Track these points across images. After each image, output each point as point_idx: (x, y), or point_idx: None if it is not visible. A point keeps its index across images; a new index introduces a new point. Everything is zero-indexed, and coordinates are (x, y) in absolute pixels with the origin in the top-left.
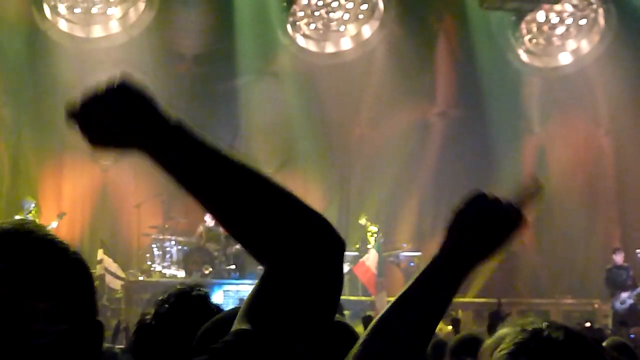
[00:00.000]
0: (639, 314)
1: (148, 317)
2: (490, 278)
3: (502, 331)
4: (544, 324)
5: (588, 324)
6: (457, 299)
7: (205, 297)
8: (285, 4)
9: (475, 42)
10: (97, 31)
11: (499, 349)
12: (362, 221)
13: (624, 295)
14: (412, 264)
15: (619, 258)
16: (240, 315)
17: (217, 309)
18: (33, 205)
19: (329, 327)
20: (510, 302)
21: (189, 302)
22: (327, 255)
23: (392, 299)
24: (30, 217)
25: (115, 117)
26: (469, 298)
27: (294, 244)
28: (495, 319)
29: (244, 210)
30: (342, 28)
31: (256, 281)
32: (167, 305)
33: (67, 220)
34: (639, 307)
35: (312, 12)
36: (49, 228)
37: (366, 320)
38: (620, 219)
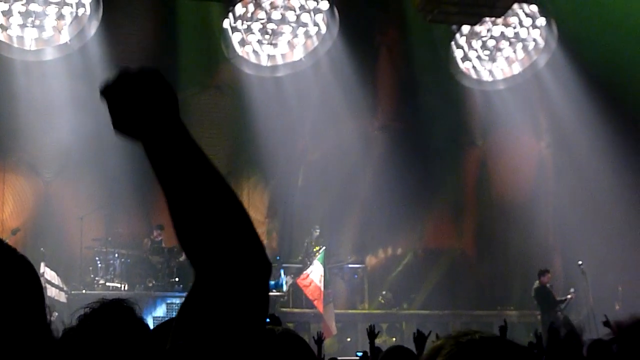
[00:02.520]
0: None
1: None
2: (433, 290)
3: (437, 343)
4: (478, 335)
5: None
6: (402, 311)
7: (129, 309)
8: (228, 17)
9: (417, 55)
10: (43, 43)
11: None
12: (316, 232)
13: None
14: (355, 276)
15: (545, 279)
16: (174, 327)
17: (142, 321)
18: None
19: (258, 339)
20: (453, 313)
21: (109, 312)
22: (252, 275)
23: (339, 311)
24: None
25: (142, 99)
26: (413, 310)
27: (224, 257)
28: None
29: (196, 212)
30: (286, 41)
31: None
32: (87, 312)
33: (9, 232)
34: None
35: (256, 26)
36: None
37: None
38: (559, 231)
